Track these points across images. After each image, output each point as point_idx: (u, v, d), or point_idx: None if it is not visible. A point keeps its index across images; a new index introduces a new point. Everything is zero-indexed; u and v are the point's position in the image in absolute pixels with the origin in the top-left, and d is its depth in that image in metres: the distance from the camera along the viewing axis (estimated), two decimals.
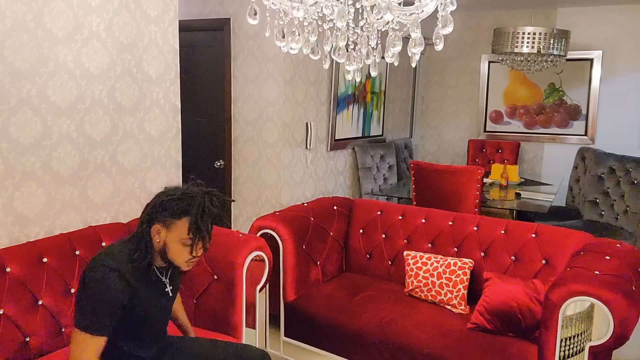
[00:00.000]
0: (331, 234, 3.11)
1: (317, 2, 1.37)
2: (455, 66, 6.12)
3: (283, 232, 2.78)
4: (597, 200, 4.36)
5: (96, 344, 1.58)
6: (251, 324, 2.38)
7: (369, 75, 4.92)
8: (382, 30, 1.46)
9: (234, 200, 1.79)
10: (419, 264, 2.77)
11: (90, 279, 1.58)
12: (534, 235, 2.69)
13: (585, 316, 2.01)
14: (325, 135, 4.48)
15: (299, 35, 1.46)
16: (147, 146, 2.74)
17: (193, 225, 1.60)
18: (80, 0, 2.31)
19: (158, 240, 1.65)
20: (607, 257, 2.23)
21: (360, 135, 5.04)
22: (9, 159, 2.12)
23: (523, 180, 4.80)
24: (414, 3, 1.35)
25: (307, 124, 4.18)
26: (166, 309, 1.81)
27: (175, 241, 1.63)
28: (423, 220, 3.01)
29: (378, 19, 1.35)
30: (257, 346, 2.42)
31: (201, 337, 2.06)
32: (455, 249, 2.86)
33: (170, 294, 1.79)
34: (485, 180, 4.16)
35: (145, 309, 1.68)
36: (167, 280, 1.77)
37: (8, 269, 1.96)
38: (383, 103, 5.41)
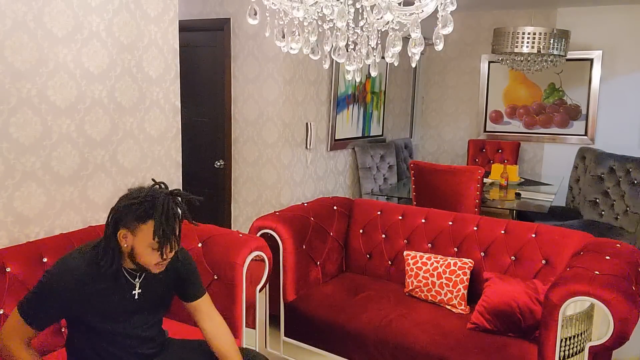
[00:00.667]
0: (331, 234, 3.11)
1: (317, 2, 1.37)
2: (455, 66, 6.12)
3: (283, 232, 2.78)
4: (597, 200, 4.36)
5: (25, 332, 1.61)
6: (251, 324, 2.38)
7: (369, 75, 4.92)
8: (382, 30, 1.46)
9: (200, 199, 1.74)
10: (419, 264, 2.77)
11: (47, 272, 1.63)
12: (534, 235, 2.69)
13: (585, 316, 2.01)
14: (325, 135, 4.48)
15: (299, 35, 1.46)
16: (147, 146, 2.74)
17: (158, 230, 1.57)
18: (80, 0, 2.31)
19: (126, 245, 1.62)
20: (607, 257, 2.23)
21: (360, 135, 5.04)
22: (9, 159, 2.12)
23: (523, 180, 4.80)
24: (414, 3, 1.35)
25: (307, 124, 4.18)
26: (134, 311, 1.73)
27: (143, 245, 1.60)
28: (423, 220, 3.01)
29: (378, 19, 1.35)
30: (257, 347, 2.42)
31: (200, 339, 2.04)
32: (455, 249, 2.86)
33: (137, 297, 1.72)
34: (485, 180, 4.16)
35: (105, 310, 1.66)
36: (138, 283, 1.73)
37: (8, 269, 1.96)
38: (383, 103, 5.41)
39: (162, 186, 1.67)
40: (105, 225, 1.66)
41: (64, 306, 1.62)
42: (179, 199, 1.66)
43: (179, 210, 1.63)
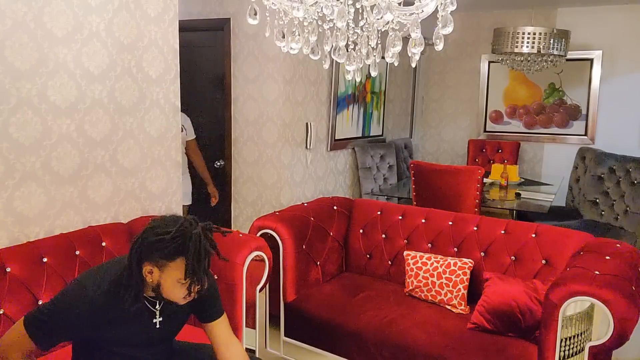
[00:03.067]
0: (331, 234, 3.11)
1: (317, 2, 1.37)
2: (455, 66, 6.12)
3: (283, 232, 2.78)
4: (597, 200, 4.36)
5: (27, 346, 1.54)
6: (251, 324, 2.38)
7: (369, 75, 4.92)
8: (382, 30, 1.46)
9: (230, 232, 1.67)
10: (419, 264, 2.77)
11: (63, 294, 1.56)
12: (534, 235, 2.69)
13: (585, 316, 2.01)
14: (325, 135, 4.48)
15: (299, 35, 1.46)
16: (147, 146, 2.74)
17: (190, 269, 1.49)
18: (80, 0, 2.31)
19: (151, 280, 1.54)
20: (607, 257, 2.23)
21: (360, 135, 5.04)
22: (9, 159, 2.12)
23: (523, 180, 4.81)
24: (414, 3, 1.35)
25: (307, 124, 4.18)
26: (153, 339, 1.70)
27: (170, 282, 1.52)
28: (423, 220, 3.01)
29: (378, 19, 1.35)
30: (257, 347, 2.42)
31: (205, 343, 2.03)
32: (455, 249, 2.86)
33: (159, 326, 1.67)
34: (485, 180, 4.16)
35: (122, 337, 1.61)
36: (158, 311, 1.66)
37: (8, 269, 1.96)
38: (383, 103, 5.41)
39: (193, 222, 1.54)
40: (129, 257, 1.55)
41: (74, 332, 1.57)
42: (209, 234, 1.57)
43: (210, 247, 1.55)
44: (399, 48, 1.40)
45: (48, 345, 1.58)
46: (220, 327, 1.78)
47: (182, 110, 3.00)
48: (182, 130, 3.41)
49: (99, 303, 1.54)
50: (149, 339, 1.69)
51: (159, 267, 1.51)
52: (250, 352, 2.06)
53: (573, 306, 2.01)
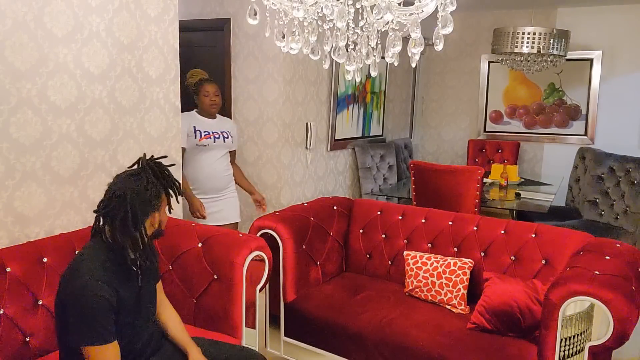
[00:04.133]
0: (331, 234, 3.11)
1: (317, 2, 1.37)
2: (455, 66, 6.12)
3: (283, 232, 2.78)
4: (597, 200, 4.36)
5: (112, 350, 1.61)
6: (251, 324, 2.38)
7: (369, 75, 4.92)
8: (382, 30, 1.46)
9: (170, 163, 1.87)
10: (419, 264, 2.77)
11: (77, 296, 1.58)
12: (533, 235, 2.69)
13: (585, 316, 2.01)
14: (325, 135, 4.48)
15: (299, 35, 1.46)
16: (147, 146, 2.74)
17: (165, 192, 1.74)
18: (80, 0, 2.31)
19: (153, 227, 1.74)
20: (607, 257, 2.23)
21: (360, 135, 5.04)
22: (9, 159, 2.12)
23: (523, 180, 4.81)
24: (414, 3, 1.35)
25: (307, 124, 4.18)
26: (145, 299, 1.80)
27: (163, 211, 1.77)
28: (423, 220, 3.01)
29: (378, 19, 1.35)
30: (257, 347, 2.42)
31: (200, 337, 2.05)
32: (455, 249, 2.86)
33: (140, 285, 1.78)
34: (485, 180, 4.16)
35: (125, 305, 1.69)
36: (139, 271, 1.78)
37: (8, 269, 1.96)
38: (383, 103, 5.41)
39: (141, 160, 1.76)
40: (111, 233, 1.70)
41: (112, 308, 1.63)
42: (150, 162, 1.77)
43: (160, 167, 1.77)
44: (399, 48, 1.40)
45: (112, 334, 1.63)
46: (160, 288, 2.00)
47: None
48: (227, 137, 3.34)
49: (103, 278, 1.63)
50: (141, 297, 1.78)
51: (156, 210, 1.73)
52: (251, 349, 2.08)
53: (573, 306, 2.01)
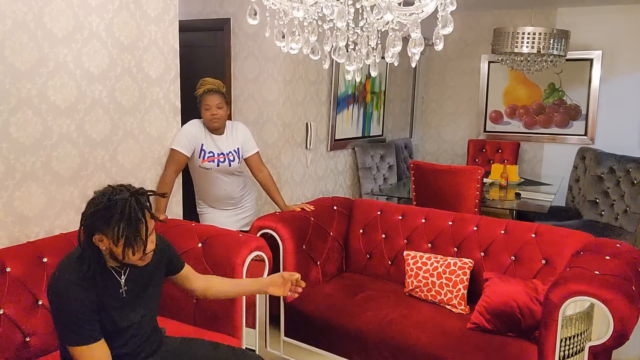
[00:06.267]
0: (331, 234, 3.11)
1: (317, 2, 1.37)
2: (455, 66, 6.12)
3: (283, 232, 2.79)
4: (597, 200, 4.36)
5: (99, 348, 1.60)
6: (251, 324, 2.38)
7: (369, 75, 4.92)
8: (382, 30, 1.46)
9: (165, 194, 1.80)
10: (419, 264, 2.77)
11: (56, 299, 1.59)
12: (534, 235, 2.69)
13: (585, 316, 2.01)
14: (325, 135, 4.48)
15: (299, 35, 1.46)
16: (147, 146, 2.74)
17: (121, 234, 1.57)
18: (80, 0, 2.31)
19: (104, 248, 1.62)
20: (607, 257, 2.23)
21: (360, 135, 5.04)
22: (9, 159, 2.12)
23: (523, 180, 4.80)
24: (414, 3, 1.35)
25: (307, 124, 4.18)
26: (131, 305, 1.75)
27: (116, 247, 1.61)
28: (423, 220, 3.01)
29: (378, 19, 1.35)
30: (257, 347, 2.42)
31: (199, 338, 2.05)
32: (455, 249, 2.86)
33: (124, 295, 1.73)
34: (485, 180, 4.16)
35: (105, 311, 1.67)
36: (123, 280, 1.73)
37: (8, 269, 1.96)
38: (383, 103, 5.41)
39: (123, 189, 1.63)
40: (78, 233, 1.67)
41: (91, 309, 1.61)
42: (141, 199, 1.63)
43: (140, 212, 1.60)
44: (399, 48, 1.40)
45: (96, 334, 1.62)
46: (188, 270, 1.99)
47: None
48: (233, 160, 2.97)
49: (77, 280, 1.60)
50: (118, 308, 1.72)
51: (105, 235, 1.59)
52: (251, 351, 2.07)
53: (573, 306, 2.01)
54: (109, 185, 1.67)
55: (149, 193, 1.69)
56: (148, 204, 1.67)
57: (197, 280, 2.00)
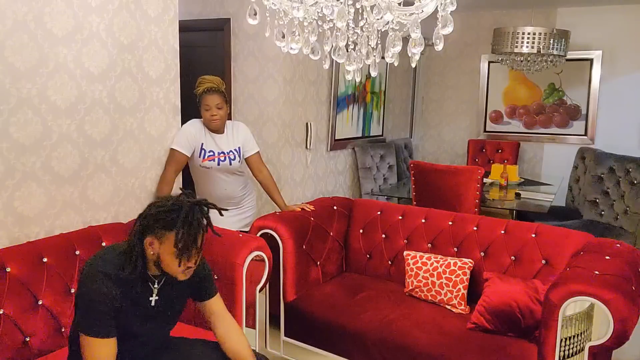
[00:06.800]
0: (331, 234, 3.11)
1: (317, 2, 1.37)
2: (455, 66, 6.12)
3: (283, 232, 2.79)
4: (597, 200, 4.36)
5: (106, 345, 1.60)
6: (251, 324, 2.38)
7: (369, 75, 4.92)
8: (382, 30, 1.46)
9: (226, 209, 1.80)
10: (419, 264, 2.77)
11: (85, 284, 1.61)
12: (534, 235, 2.69)
13: (585, 316, 2.01)
14: (325, 135, 4.48)
15: (299, 35, 1.46)
16: (147, 146, 2.74)
17: (179, 239, 1.59)
18: (80, 0, 2.31)
19: (152, 252, 1.64)
20: (607, 257, 2.23)
21: (360, 135, 5.04)
22: (9, 159, 2.12)
23: (523, 180, 4.81)
24: (414, 3, 1.35)
25: (307, 124, 4.18)
26: (153, 316, 1.75)
27: (167, 253, 1.62)
28: (423, 220, 3.01)
29: (378, 19, 1.35)
30: (256, 347, 2.42)
31: (199, 339, 2.04)
32: (455, 249, 2.86)
33: (153, 304, 1.73)
34: (485, 180, 4.16)
35: (127, 315, 1.66)
36: (156, 289, 1.73)
37: (8, 269, 1.96)
38: (383, 103, 5.41)
39: (189, 196, 1.68)
40: (131, 232, 1.67)
41: (115, 306, 1.61)
42: (205, 208, 1.66)
43: (203, 221, 1.64)
44: (399, 48, 1.40)
45: (112, 331, 1.62)
46: (217, 304, 1.88)
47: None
48: (234, 158, 2.96)
49: (112, 274, 1.61)
50: (149, 317, 1.73)
51: (158, 239, 1.61)
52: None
53: (573, 306, 2.01)
54: (180, 189, 1.70)
55: (210, 206, 1.70)
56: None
57: (219, 322, 1.86)
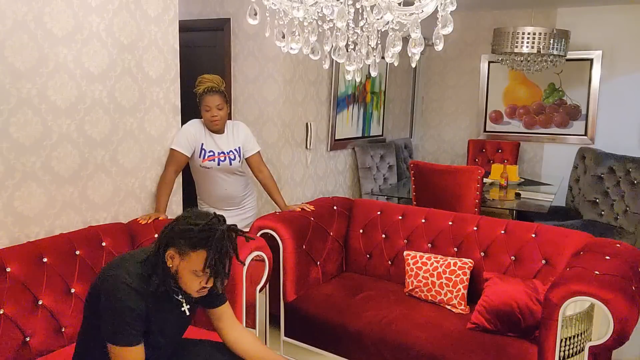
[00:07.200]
0: (331, 234, 3.11)
1: (317, 2, 1.37)
2: (455, 66, 6.12)
3: (283, 232, 2.79)
4: (597, 200, 4.36)
5: (136, 352, 1.60)
6: (251, 324, 2.38)
7: (369, 75, 4.92)
8: (382, 30, 1.46)
9: (253, 239, 1.83)
10: (419, 264, 2.77)
11: (110, 298, 1.59)
12: (534, 235, 2.69)
13: (585, 316, 2.01)
14: (325, 135, 4.48)
15: (299, 35, 1.46)
16: (147, 146, 2.74)
17: (210, 262, 1.58)
18: (80, 0, 2.31)
19: (170, 265, 1.64)
20: (607, 257, 2.23)
21: (360, 135, 5.04)
22: (9, 159, 2.12)
23: (523, 180, 4.81)
24: (414, 3, 1.35)
25: (307, 124, 4.18)
26: (180, 327, 1.79)
27: (187, 270, 1.61)
28: (423, 220, 3.01)
29: (378, 19, 1.35)
30: None
31: (205, 339, 2.04)
32: (455, 249, 2.86)
33: (188, 313, 1.78)
34: (485, 180, 4.16)
35: (158, 327, 1.67)
36: (183, 299, 1.75)
37: (8, 269, 1.96)
38: (383, 103, 5.41)
39: (221, 219, 1.66)
40: (156, 242, 1.67)
41: (142, 315, 1.61)
42: (234, 235, 1.66)
43: (232, 249, 1.64)
44: (399, 48, 1.40)
45: (139, 338, 1.61)
46: (227, 311, 1.89)
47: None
48: (234, 158, 2.96)
49: (138, 288, 1.60)
50: (179, 326, 1.77)
51: (180, 255, 1.61)
52: None
53: (573, 306, 2.01)
54: (214, 214, 1.67)
55: (239, 233, 1.70)
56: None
57: (231, 327, 1.88)
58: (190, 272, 1.61)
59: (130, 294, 1.58)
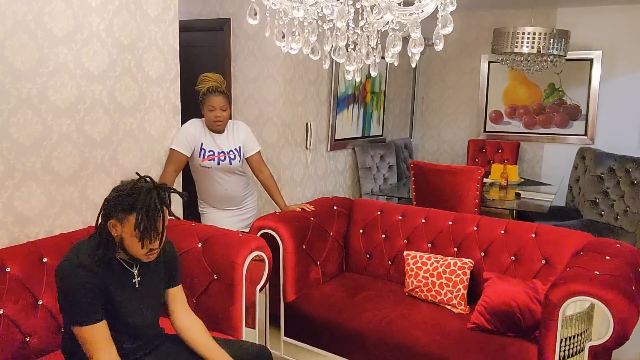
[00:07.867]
0: (331, 234, 3.11)
1: (317, 2, 1.37)
2: (455, 66, 6.12)
3: (283, 232, 2.78)
4: (597, 200, 4.36)
5: (98, 330, 1.65)
6: (251, 324, 2.38)
7: (369, 75, 4.92)
8: (382, 30, 1.46)
9: (187, 195, 1.85)
10: (419, 264, 2.77)
11: (60, 278, 1.66)
12: (533, 235, 2.69)
13: (585, 316, 2.01)
14: (325, 135, 4.48)
15: (299, 35, 1.46)
16: (147, 146, 2.74)
17: (139, 222, 1.63)
18: (80, 0, 2.31)
19: (116, 234, 1.69)
20: (607, 257, 2.23)
21: (360, 135, 5.04)
22: (9, 159, 2.12)
23: (523, 180, 4.81)
24: (414, 3, 1.35)
25: (307, 124, 4.19)
26: (141, 301, 1.80)
27: (129, 235, 1.67)
28: (423, 220, 3.01)
29: (378, 19, 1.35)
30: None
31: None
32: (455, 249, 2.86)
33: (137, 285, 1.79)
34: (485, 180, 4.16)
35: (115, 302, 1.71)
36: (136, 271, 1.79)
37: (8, 269, 1.96)
38: (383, 103, 5.41)
39: (148, 180, 1.72)
40: (98, 216, 1.73)
41: (97, 291, 1.66)
42: (164, 193, 1.70)
43: (160, 205, 1.67)
44: (399, 48, 1.40)
45: (98, 314, 1.66)
46: (180, 294, 1.95)
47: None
48: (234, 158, 2.95)
49: (85, 263, 1.65)
50: (139, 299, 1.79)
51: (119, 221, 1.67)
52: (249, 343, 2.11)
53: (573, 306, 2.01)
54: (136, 173, 1.74)
55: (171, 190, 1.75)
56: (169, 201, 1.73)
57: (181, 310, 1.93)
58: (132, 236, 1.66)
59: (77, 271, 1.63)
